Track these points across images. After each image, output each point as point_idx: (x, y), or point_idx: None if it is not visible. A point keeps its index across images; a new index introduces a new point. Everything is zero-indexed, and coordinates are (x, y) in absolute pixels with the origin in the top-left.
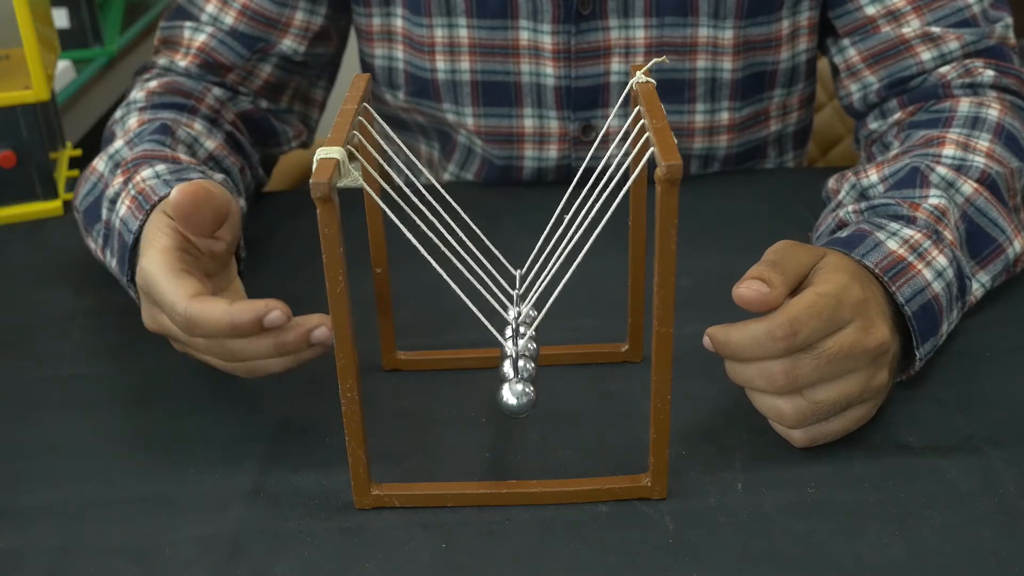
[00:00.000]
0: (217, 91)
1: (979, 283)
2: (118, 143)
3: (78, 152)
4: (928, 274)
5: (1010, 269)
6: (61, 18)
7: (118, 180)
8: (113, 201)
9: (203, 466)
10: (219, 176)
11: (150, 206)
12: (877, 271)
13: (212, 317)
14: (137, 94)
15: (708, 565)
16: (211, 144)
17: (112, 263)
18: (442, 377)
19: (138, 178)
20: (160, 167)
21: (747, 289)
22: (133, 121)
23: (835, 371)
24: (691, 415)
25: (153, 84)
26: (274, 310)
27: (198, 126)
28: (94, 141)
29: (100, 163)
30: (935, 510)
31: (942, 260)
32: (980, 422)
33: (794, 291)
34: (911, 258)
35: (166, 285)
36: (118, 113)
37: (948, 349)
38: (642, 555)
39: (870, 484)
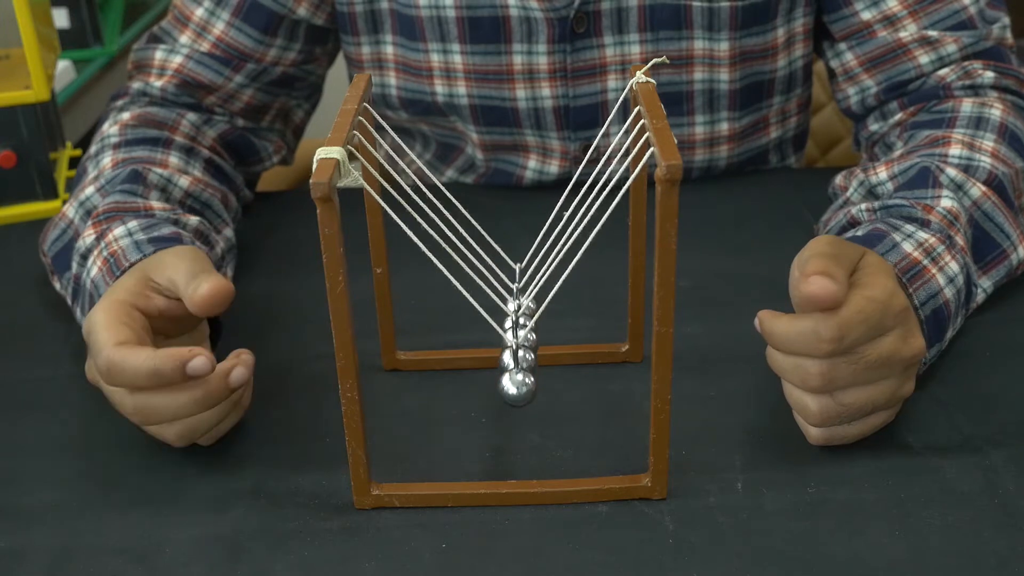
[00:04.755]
0: (191, 116)
1: (981, 288)
2: (89, 189)
3: (78, 152)
4: (941, 279)
5: (1012, 273)
6: (61, 18)
7: (89, 233)
8: (84, 257)
9: (203, 466)
10: (194, 220)
11: (121, 272)
12: (897, 271)
13: (135, 362)
14: (111, 128)
15: (708, 565)
16: (186, 181)
17: (83, 321)
18: (442, 377)
19: (111, 237)
20: (132, 223)
21: (818, 288)
22: (107, 160)
23: (869, 377)
24: (691, 415)
25: (126, 116)
26: (198, 356)
27: (173, 160)
28: None
29: (70, 209)
30: (935, 510)
31: (954, 266)
32: (980, 422)
33: None
34: (926, 262)
35: (100, 331)
36: (92, 148)
37: (948, 349)
38: (642, 555)
39: (870, 484)
